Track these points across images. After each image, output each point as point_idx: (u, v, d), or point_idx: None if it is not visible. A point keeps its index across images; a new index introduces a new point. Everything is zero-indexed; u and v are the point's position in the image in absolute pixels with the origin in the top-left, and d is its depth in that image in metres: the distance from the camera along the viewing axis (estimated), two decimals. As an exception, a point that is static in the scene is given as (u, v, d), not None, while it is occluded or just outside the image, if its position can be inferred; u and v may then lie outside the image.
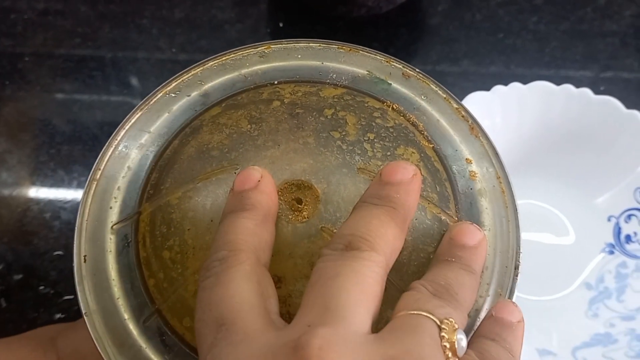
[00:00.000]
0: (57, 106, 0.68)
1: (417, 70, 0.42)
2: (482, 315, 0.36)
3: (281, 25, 0.72)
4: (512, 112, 0.60)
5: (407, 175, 0.34)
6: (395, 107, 0.40)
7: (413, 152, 0.39)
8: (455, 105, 0.41)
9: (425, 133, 0.40)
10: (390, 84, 0.41)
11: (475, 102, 0.58)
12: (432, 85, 0.41)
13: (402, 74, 0.42)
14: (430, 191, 0.39)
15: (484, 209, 0.38)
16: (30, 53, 0.70)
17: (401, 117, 0.40)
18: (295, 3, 0.72)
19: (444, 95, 0.41)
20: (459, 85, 0.68)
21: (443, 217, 0.38)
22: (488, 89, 0.60)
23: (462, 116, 0.41)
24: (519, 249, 0.37)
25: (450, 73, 0.69)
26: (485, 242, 0.36)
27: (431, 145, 0.40)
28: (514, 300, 0.36)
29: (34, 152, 0.65)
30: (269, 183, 0.35)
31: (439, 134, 0.40)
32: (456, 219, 0.38)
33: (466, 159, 0.40)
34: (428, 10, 0.73)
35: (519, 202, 0.61)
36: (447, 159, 0.40)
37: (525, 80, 0.60)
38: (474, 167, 0.39)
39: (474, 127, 0.40)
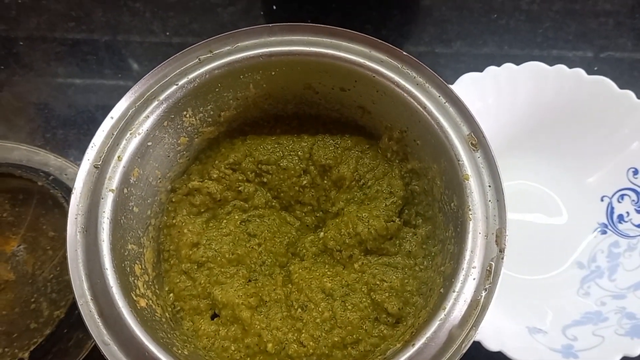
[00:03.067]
0: (52, 90, 0.68)
1: (406, 54, 0.42)
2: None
3: (274, 7, 0.71)
4: (504, 93, 0.60)
5: None
6: None
7: None
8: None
9: None
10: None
11: (468, 83, 0.59)
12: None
13: None
14: None
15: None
16: (24, 37, 0.70)
17: None
18: (288, -15, 0.72)
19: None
20: (452, 66, 0.68)
21: None
22: (481, 70, 0.60)
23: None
24: (505, 232, 0.38)
25: (442, 54, 0.69)
26: None
27: None
28: (499, 282, 0.37)
29: (29, 136, 0.65)
30: None
31: None
32: None
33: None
34: (421, -8, 0.73)
35: (512, 182, 0.63)
36: None
37: (518, 61, 0.60)
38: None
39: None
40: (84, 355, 0.50)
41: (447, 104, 0.41)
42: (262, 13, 0.71)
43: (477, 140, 0.40)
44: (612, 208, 0.59)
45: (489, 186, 0.39)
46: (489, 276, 0.37)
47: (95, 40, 0.70)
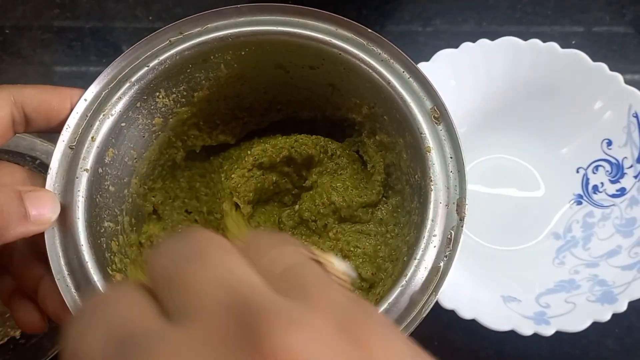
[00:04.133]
0: (40, 76, 0.69)
1: (371, 31, 0.43)
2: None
3: (256, -10, 0.72)
4: (480, 68, 0.61)
5: None
6: None
7: None
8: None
9: None
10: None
11: (443, 60, 0.59)
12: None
13: None
14: None
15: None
16: (10, 25, 0.71)
17: None
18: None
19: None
20: (432, 44, 0.69)
21: None
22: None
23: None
24: (465, 201, 0.39)
25: (422, 32, 0.70)
26: None
27: None
28: (459, 249, 0.38)
29: (17, 122, 0.66)
30: None
31: None
32: None
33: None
34: (402, -30, 0.73)
35: (490, 156, 0.64)
36: None
37: (497, 38, 0.60)
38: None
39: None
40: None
41: (411, 79, 0.42)
42: (243, -5, 0.72)
43: (440, 114, 0.41)
44: (587, 179, 0.61)
45: (451, 157, 0.40)
46: (449, 244, 0.38)
47: (80, 27, 0.71)
